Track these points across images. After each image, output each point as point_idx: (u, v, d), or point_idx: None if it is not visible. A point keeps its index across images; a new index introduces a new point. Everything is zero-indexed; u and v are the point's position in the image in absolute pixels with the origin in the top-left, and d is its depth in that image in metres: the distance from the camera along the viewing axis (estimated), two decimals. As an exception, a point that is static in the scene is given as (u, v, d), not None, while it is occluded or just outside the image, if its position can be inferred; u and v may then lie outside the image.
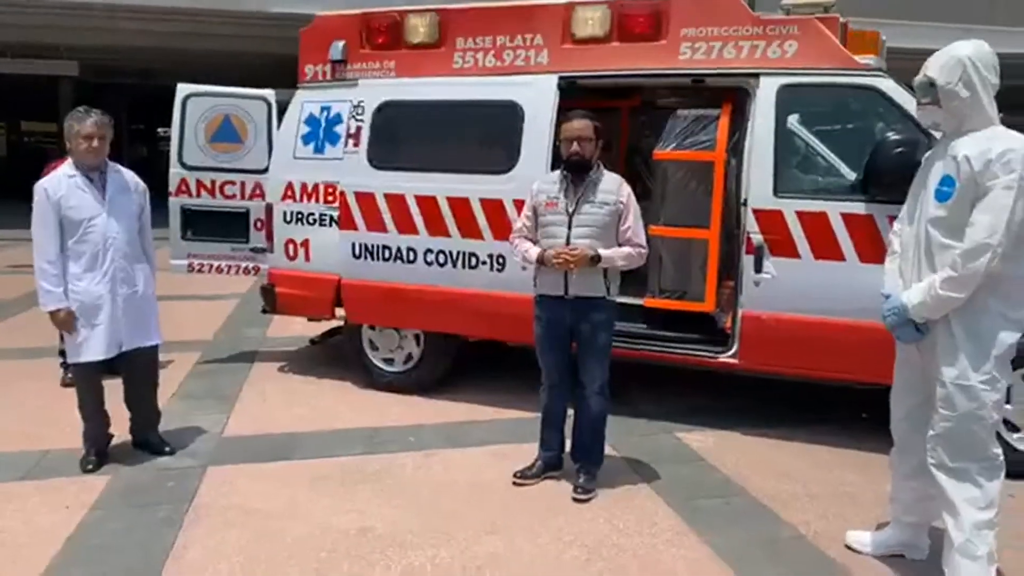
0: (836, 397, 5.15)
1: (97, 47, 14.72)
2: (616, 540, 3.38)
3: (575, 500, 3.75)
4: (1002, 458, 2.84)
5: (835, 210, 4.17)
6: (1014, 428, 3.98)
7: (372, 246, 5.12)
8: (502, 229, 4.69)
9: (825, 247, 4.20)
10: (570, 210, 3.68)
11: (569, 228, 3.67)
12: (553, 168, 4.40)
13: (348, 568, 3.14)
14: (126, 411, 4.22)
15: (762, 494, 3.85)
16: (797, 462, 4.24)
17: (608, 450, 4.01)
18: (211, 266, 6.00)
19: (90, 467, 3.99)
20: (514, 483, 3.91)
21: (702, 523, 3.54)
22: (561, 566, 3.18)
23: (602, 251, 3.61)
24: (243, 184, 5.91)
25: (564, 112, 4.29)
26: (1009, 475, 2.93)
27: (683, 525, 3.52)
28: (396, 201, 5.03)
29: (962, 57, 2.71)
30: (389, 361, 5.37)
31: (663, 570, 3.15)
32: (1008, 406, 3.80)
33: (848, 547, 3.32)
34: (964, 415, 2.75)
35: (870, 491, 3.80)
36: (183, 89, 5.93)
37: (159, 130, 18.76)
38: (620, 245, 3.68)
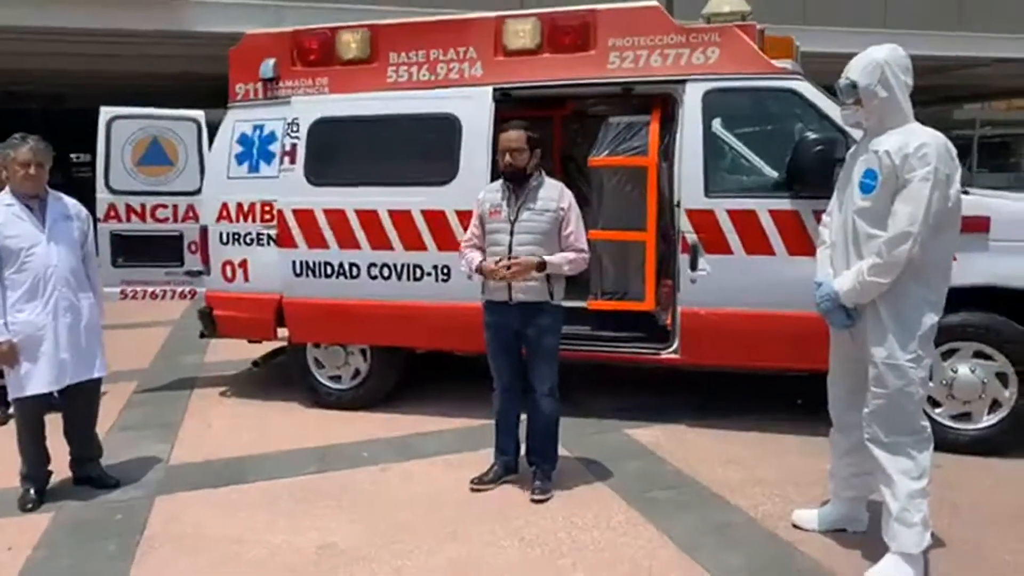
0: (773, 386, 5.38)
1: (2, 70, 14.08)
2: (577, 536, 3.46)
3: (533, 501, 3.82)
4: (930, 431, 3.05)
5: (763, 207, 4.39)
6: (936, 403, 4.24)
7: (313, 263, 5.09)
8: (445, 240, 4.75)
9: (756, 243, 4.40)
10: (512, 218, 3.77)
11: (511, 235, 3.76)
12: (494, 177, 4.48)
13: (313, 586, 3.13)
14: (63, 447, 4.06)
15: (711, 482, 4.00)
16: (741, 450, 4.42)
17: (561, 451, 4.09)
18: (145, 292, 5.84)
19: (30, 506, 3.84)
20: (472, 489, 3.95)
21: (657, 514, 3.66)
22: (525, 565, 3.24)
23: (547, 257, 3.71)
24: (175, 207, 5.79)
25: (501, 122, 4.38)
26: (935, 448, 3.13)
27: (639, 517, 3.63)
28: (336, 217, 5.01)
29: (880, 60, 2.93)
30: (336, 378, 5.33)
31: (624, 561, 3.25)
32: (930, 383, 4.07)
33: (795, 525, 3.49)
34: (894, 392, 2.95)
35: (811, 472, 3.99)
36: (107, 112, 5.77)
37: (72, 155, 18.00)
38: (563, 250, 3.78)
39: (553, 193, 3.79)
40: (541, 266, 3.69)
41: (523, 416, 4.04)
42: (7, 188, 3.84)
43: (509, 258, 3.71)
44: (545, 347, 3.84)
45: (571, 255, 3.76)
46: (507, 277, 3.69)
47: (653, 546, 3.37)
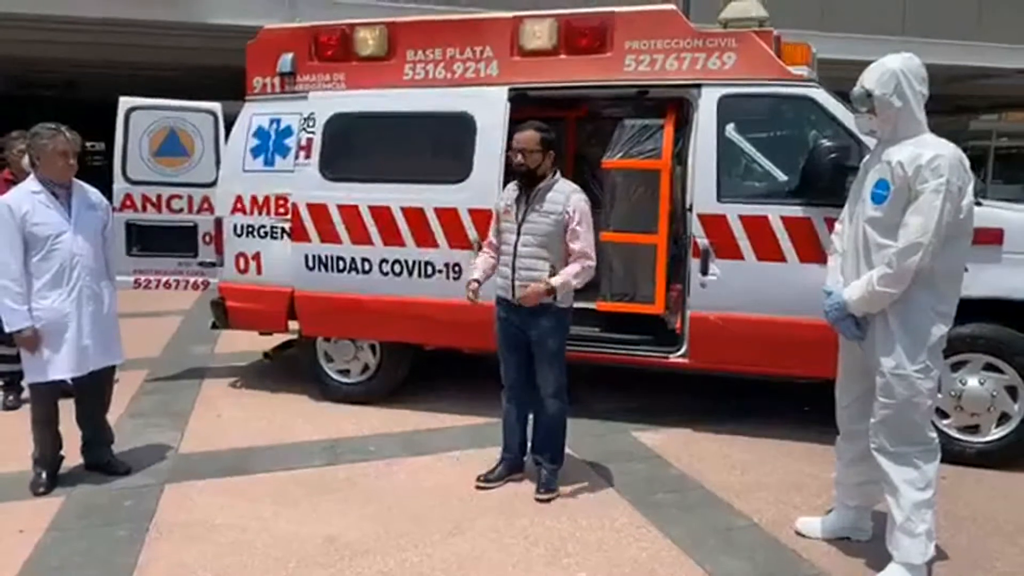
0: (780, 392, 5.39)
1: (18, 58, 14.16)
2: (580, 536, 3.49)
3: (538, 500, 3.84)
4: (937, 442, 3.05)
5: (775, 213, 4.39)
6: (944, 415, 4.24)
7: (326, 257, 5.13)
8: (457, 238, 4.79)
9: (767, 249, 4.40)
10: (519, 218, 3.78)
11: (517, 235, 3.77)
12: (507, 177, 4.50)
13: (319, 576, 3.16)
14: (75, 432, 4.10)
15: (715, 487, 4.01)
16: (746, 455, 4.43)
17: (567, 451, 4.10)
18: (159, 281, 5.90)
19: (42, 490, 3.89)
20: (477, 487, 3.97)
21: (660, 516, 3.67)
22: (529, 563, 3.27)
23: (553, 281, 3.65)
24: (191, 198, 5.84)
25: (516, 122, 4.39)
26: (941, 459, 3.13)
27: (643, 519, 3.65)
28: (350, 212, 5.05)
29: (895, 70, 2.93)
30: (345, 372, 5.38)
31: (627, 562, 3.27)
32: (938, 394, 4.07)
33: (798, 532, 3.50)
34: (902, 403, 2.95)
35: (816, 480, 4.01)
36: (126, 102, 5.83)
37: (87, 144, 18.17)
38: (568, 256, 3.73)
39: (561, 196, 3.75)
40: (550, 291, 3.65)
41: (531, 415, 4.06)
42: (31, 175, 3.89)
43: (513, 270, 3.76)
44: (549, 349, 3.84)
45: (576, 268, 3.69)
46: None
47: (656, 548, 3.38)
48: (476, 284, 3.91)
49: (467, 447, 4.52)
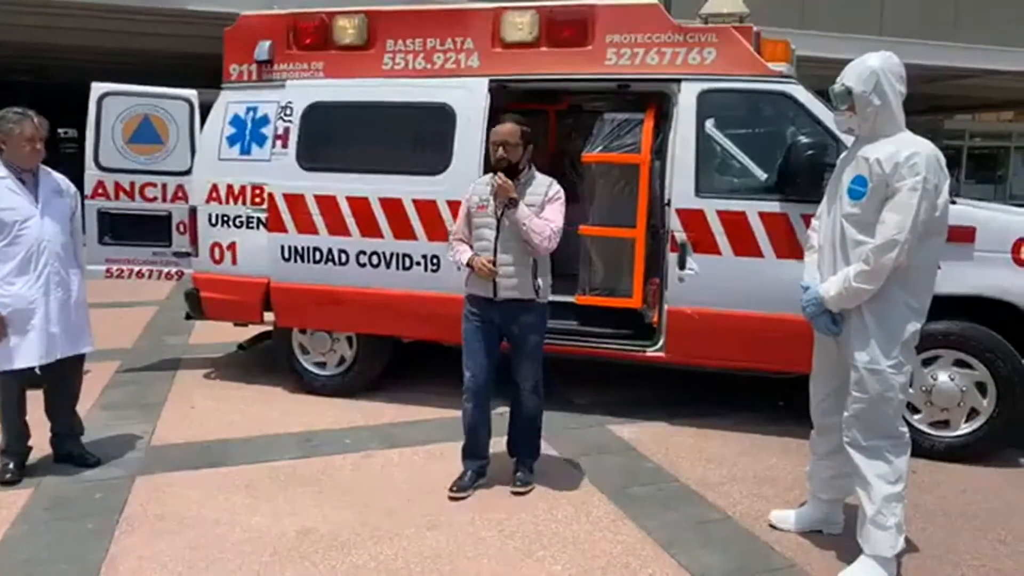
0: (756, 386, 5.43)
1: (-10, 42, 13.89)
2: (556, 529, 3.49)
3: (514, 494, 3.83)
4: (908, 436, 3.09)
5: (753, 209, 4.41)
6: (915, 409, 4.29)
7: (302, 248, 5.07)
8: (436, 230, 4.76)
9: (744, 244, 4.43)
10: (498, 213, 3.71)
11: (498, 231, 3.69)
12: (487, 169, 4.48)
13: (292, 571, 3.13)
14: (43, 423, 4.04)
15: (691, 480, 4.03)
16: (722, 449, 4.46)
17: (543, 445, 4.10)
18: (131, 271, 5.80)
19: (9, 476, 3.83)
20: (450, 498, 3.81)
21: (636, 509, 3.68)
22: (504, 556, 3.26)
23: (523, 206, 3.60)
24: (164, 186, 5.76)
25: (496, 114, 4.37)
26: (912, 453, 3.17)
27: (618, 512, 3.66)
28: (327, 202, 5.00)
29: (875, 68, 2.95)
30: (321, 365, 5.33)
31: (602, 555, 3.27)
32: (910, 389, 4.12)
33: (772, 525, 3.53)
34: (875, 397, 2.98)
35: (790, 473, 4.05)
36: (98, 88, 5.72)
37: (60, 131, 17.80)
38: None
39: (542, 188, 3.73)
40: (514, 201, 3.58)
41: (504, 410, 4.04)
42: None
43: (494, 259, 3.66)
44: (530, 345, 3.81)
45: (542, 221, 3.62)
46: (488, 274, 3.65)
47: (631, 541, 3.39)
48: (485, 258, 3.66)
49: (443, 440, 4.49)
